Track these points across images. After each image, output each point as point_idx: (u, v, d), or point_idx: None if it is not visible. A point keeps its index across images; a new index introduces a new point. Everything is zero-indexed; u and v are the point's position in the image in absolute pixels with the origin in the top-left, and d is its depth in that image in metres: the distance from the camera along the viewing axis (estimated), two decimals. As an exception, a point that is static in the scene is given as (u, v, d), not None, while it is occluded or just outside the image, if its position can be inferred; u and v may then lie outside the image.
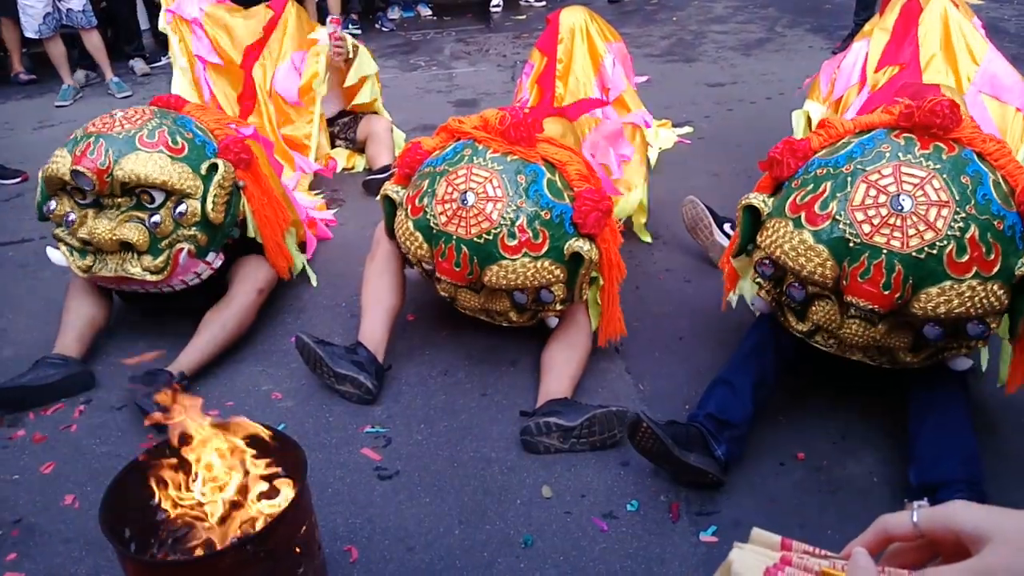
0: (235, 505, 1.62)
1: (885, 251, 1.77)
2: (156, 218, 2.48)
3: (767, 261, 2.00)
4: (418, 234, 2.32)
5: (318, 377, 2.44)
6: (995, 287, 1.79)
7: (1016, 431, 2.20)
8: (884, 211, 1.79)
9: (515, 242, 2.21)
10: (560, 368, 2.37)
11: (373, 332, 2.48)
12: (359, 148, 4.25)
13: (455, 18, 7.94)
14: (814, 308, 1.97)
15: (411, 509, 2.04)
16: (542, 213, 2.23)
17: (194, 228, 2.53)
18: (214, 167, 2.56)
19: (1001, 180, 1.86)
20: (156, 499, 1.61)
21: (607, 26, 3.67)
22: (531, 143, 2.32)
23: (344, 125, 4.26)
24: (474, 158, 2.30)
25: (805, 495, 2.03)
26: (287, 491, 1.61)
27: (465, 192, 2.23)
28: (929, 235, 1.76)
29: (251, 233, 2.75)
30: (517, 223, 2.21)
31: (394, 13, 7.89)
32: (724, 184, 3.68)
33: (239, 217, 2.69)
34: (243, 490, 1.63)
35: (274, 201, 2.81)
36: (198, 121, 2.68)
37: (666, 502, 2.02)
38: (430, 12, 8.05)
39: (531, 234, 2.21)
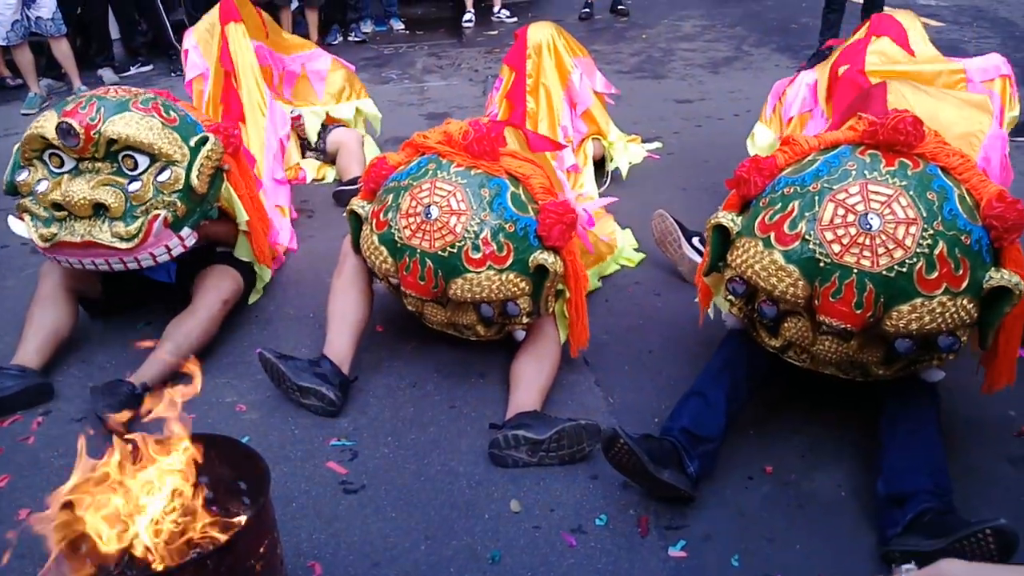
0: (194, 520, 1.58)
1: (856, 270, 1.78)
2: (136, 185, 2.42)
3: (738, 279, 2.00)
4: (383, 248, 2.31)
5: (283, 391, 2.41)
6: (964, 301, 1.81)
7: (983, 447, 2.22)
8: (853, 230, 1.80)
9: (479, 255, 2.20)
10: (529, 381, 2.36)
11: (338, 346, 2.46)
12: (329, 160, 4.22)
13: (427, 32, 7.95)
14: (786, 325, 1.98)
15: (377, 524, 2.01)
16: (506, 226, 2.23)
17: (174, 195, 2.46)
18: (204, 140, 2.53)
19: (966, 194, 1.89)
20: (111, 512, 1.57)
21: (574, 41, 3.71)
22: (495, 157, 2.33)
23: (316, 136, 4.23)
24: (438, 172, 2.30)
25: (773, 509, 2.04)
26: (248, 504, 1.57)
27: (429, 206, 2.23)
28: (898, 253, 1.77)
29: (238, 218, 2.74)
30: (481, 236, 2.20)
31: (367, 26, 7.88)
32: (692, 199, 3.70)
33: (219, 199, 2.66)
34: (201, 504, 1.59)
35: (255, 194, 2.79)
36: (189, 111, 2.66)
37: (635, 516, 2.01)
38: (402, 26, 8.05)
39: (495, 247, 2.21)
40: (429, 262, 2.22)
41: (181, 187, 2.46)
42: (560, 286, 2.39)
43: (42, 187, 2.45)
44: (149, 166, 2.44)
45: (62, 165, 2.46)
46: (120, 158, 2.43)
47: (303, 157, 4.20)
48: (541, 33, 3.53)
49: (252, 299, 2.99)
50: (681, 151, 4.42)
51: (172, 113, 2.53)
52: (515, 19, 7.99)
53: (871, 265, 1.78)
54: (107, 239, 2.41)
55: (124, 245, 2.42)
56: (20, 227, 2.54)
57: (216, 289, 2.70)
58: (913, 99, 2.36)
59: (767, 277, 1.89)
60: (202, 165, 2.49)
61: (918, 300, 1.79)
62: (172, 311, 2.65)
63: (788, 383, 2.35)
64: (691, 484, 2.00)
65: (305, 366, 2.39)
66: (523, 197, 2.30)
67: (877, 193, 1.83)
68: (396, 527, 2.00)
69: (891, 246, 1.77)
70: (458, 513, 2.04)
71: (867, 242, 1.78)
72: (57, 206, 2.42)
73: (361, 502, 2.08)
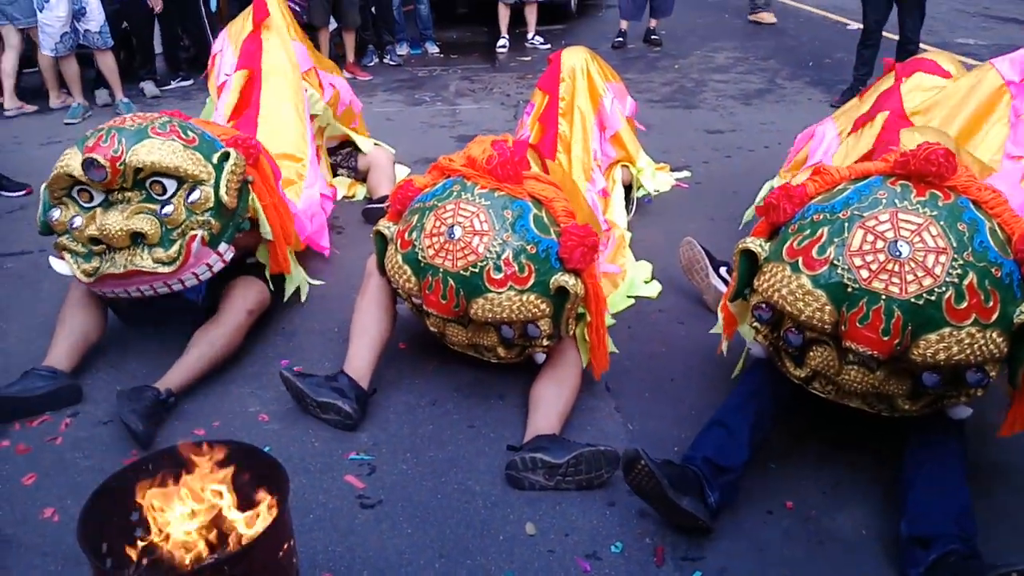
0: (213, 525, 1.60)
1: (884, 297, 1.78)
2: (168, 208, 2.46)
3: (764, 305, 2.00)
4: (406, 267, 2.34)
5: (303, 408, 2.45)
6: (994, 335, 1.79)
7: (1010, 491, 2.18)
8: (882, 256, 1.80)
9: (501, 275, 2.22)
10: (549, 404, 2.36)
11: (357, 361, 2.48)
12: (360, 177, 4.28)
13: (462, 56, 8.05)
14: (812, 354, 1.97)
15: (392, 539, 2.02)
16: (528, 247, 2.25)
17: (207, 214, 2.50)
18: (226, 155, 2.57)
19: (997, 228, 1.88)
20: (136, 516, 1.60)
21: (607, 66, 3.74)
22: (518, 180, 2.36)
23: (346, 155, 4.29)
24: (462, 193, 2.34)
25: (792, 545, 2.01)
26: (267, 512, 1.59)
27: (452, 226, 2.26)
28: (927, 281, 1.77)
29: (263, 230, 2.78)
30: (503, 256, 2.23)
31: (402, 49, 8.00)
32: (720, 228, 3.70)
33: (248, 211, 2.70)
34: (223, 511, 1.61)
35: (279, 202, 2.84)
36: (205, 128, 2.71)
37: (651, 545, 2.00)
38: (437, 50, 8.17)
39: (517, 268, 2.23)
40: (451, 281, 2.24)
41: (212, 205, 2.50)
42: (581, 309, 2.40)
43: (77, 223, 2.48)
44: (178, 189, 2.48)
45: (92, 199, 2.49)
46: (148, 185, 2.47)
47: (334, 175, 4.26)
48: (576, 57, 3.57)
49: (289, 292, 3.05)
50: (710, 181, 4.43)
51: (190, 133, 2.56)
52: (548, 45, 8.07)
53: (899, 292, 1.77)
54: (149, 265, 2.45)
55: (166, 269, 2.46)
56: (62, 266, 2.58)
57: (242, 299, 2.74)
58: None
59: (794, 301, 1.89)
60: (228, 180, 2.53)
61: (946, 330, 1.77)
62: (202, 320, 2.69)
63: (812, 416, 2.33)
64: (710, 514, 1.99)
65: (322, 382, 2.42)
66: (545, 220, 2.32)
67: (907, 221, 1.83)
68: (411, 543, 2.01)
69: (920, 274, 1.77)
70: (473, 533, 2.04)
71: (896, 268, 1.78)
72: (95, 240, 2.46)
73: (377, 517, 2.09)
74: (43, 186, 2.56)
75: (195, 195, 2.48)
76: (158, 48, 7.00)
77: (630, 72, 6.92)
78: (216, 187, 2.51)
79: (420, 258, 2.30)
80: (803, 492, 2.18)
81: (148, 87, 6.53)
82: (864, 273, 1.80)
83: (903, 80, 2.91)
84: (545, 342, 2.35)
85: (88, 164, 2.40)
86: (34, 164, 4.75)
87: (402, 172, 4.31)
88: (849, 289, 1.82)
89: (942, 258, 1.78)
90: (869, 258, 1.81)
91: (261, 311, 2.83)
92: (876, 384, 1.90)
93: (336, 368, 2.52)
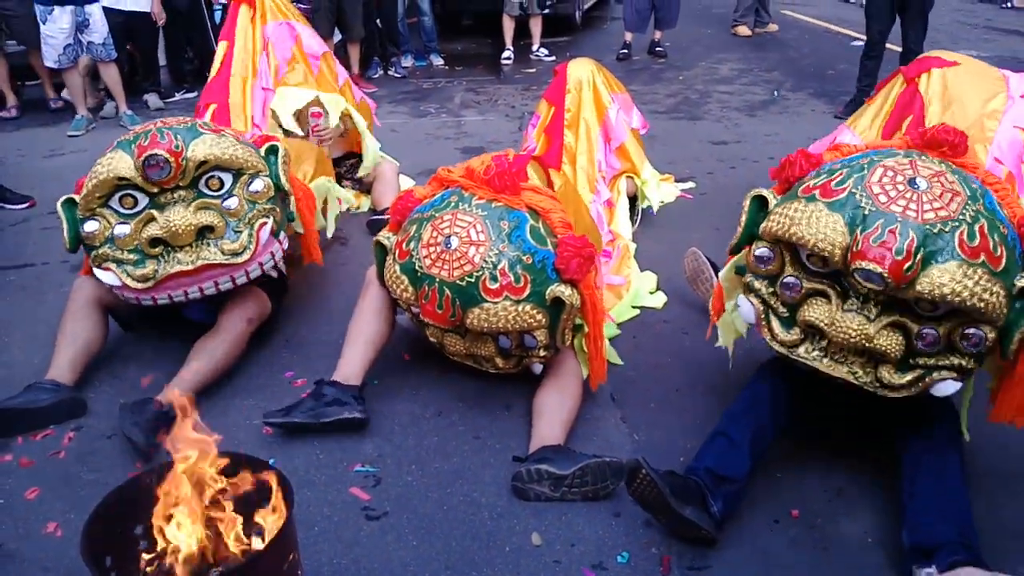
0: (218, 537, 1.59)
1: (900, 219, 1.80)
2: (231, 201, 2.47)
3: (766, 248, 2.01)
4: (404, 277, 2.34)
5: (312, 430, 2.41)
6: (998, 288, 1.80)
7: (1011, 498, 2.17)
8: (901, 187, 1.85)
9: (496, 285, 2.23)
10: (552, 413, 2.36)
11: (347, 368, 2.48)
12: (365, 189, 4.29)
13: (466, 68, 8.08)
14: (806, 307, 1.96)
15: (398, 551, 2.01)
16: (524, 258, 2.25)
17: (269, 202, 2.54)
18: (274, 148, 2.60)
19: (999, 205, 1.94)
20: (139, 529, 1.59)
21: (613, 78, 3.75)
22: (515, 191, 2.36)
23: (351, 166, 4.30)
24: (460, 204, 2.35)
25: (798, 553, 2.00)
26: (271, 525, 1.58)
27: (449, 236, 2.27)
28: (943, 213, 1.81)
29: (296, 226, 2.83)
30: (499, 267, 2.23)
31: (407, 61, 8.03)
32: (725, 239, 3.62)
33: (294, 210, 2.75)
34: (227, 523, 1.60)
35: (306, 194, 2.90)
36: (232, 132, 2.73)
37: (657, 555, 1.99)
38: (442, 62, 8.20)
39: (512, 278, 2.23)
40: (447, 291, 2.25)
41: (273, 194, 2.55)
42: (579, 320, 2.40)
43: (122, 230, 2.44)
44: (234, 182, 2.50)
45: (135, 205, 2.46)
46: (205, 181, 2.48)
47: (340, 186, 4.26)
48: (582, 69, 3.58)
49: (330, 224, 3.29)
50: (715, 192, 4.43)
51: (230, 132, 2.62)
52: (553, 57, 8.10)
53: (916, 217, 1.80)
54: (221, 258, 2.45)
55: (240, 259, 2.48)
56: (108, 277, 2.50)
57: (240, 309, 2.73)
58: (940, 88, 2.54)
59: (808, 225, 1.88)
60: (284, 170, 2.58)
61: (955, 263, 1.78)
62: (204, 328, 2.69)
63: (815, 426, 2.33)
64: (713, 524, 1.98)
65: (312, 404, 2.40)
66: (542, 231, 2.32)
67: (926, 167, 1.90)
68: (417, 555, 1.99)
69: (937, 205, 1.81)
70: (479, 544, 2.03)
71: (913, 197, 1.83)
72: (155, 242, 2.42)
73: (383, 529, 2.08)
74: (60, 202, 2.53)
75: (256, 185, 2.51)
76: (161, 60, 7.04)
77: (635, 84, 6.94)
78: (274, 176, 2.55)
79: (417, 268, 2.31)
80: (808, 500, 2.17)
81: (152, 99, 6.57)
82: (882, 198, 1.84)
83: (917, 81, 2.89)
84: (542, 353, 2.35)
85: (150, 160, 2.37)
86: (37, 176, 4.78)
87: (407, 184, 4.32)
88: (866, 212, 1.84)
89: (957, 199, 1.83)
90: (888, 187, 1.85)
91: (261, 320, 2.82)
92: (870, 337, 1.86)
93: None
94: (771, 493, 2.18)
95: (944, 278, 1.77)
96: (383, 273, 2.51)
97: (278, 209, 2.57)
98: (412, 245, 2.34)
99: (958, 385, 1.96)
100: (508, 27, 8.08)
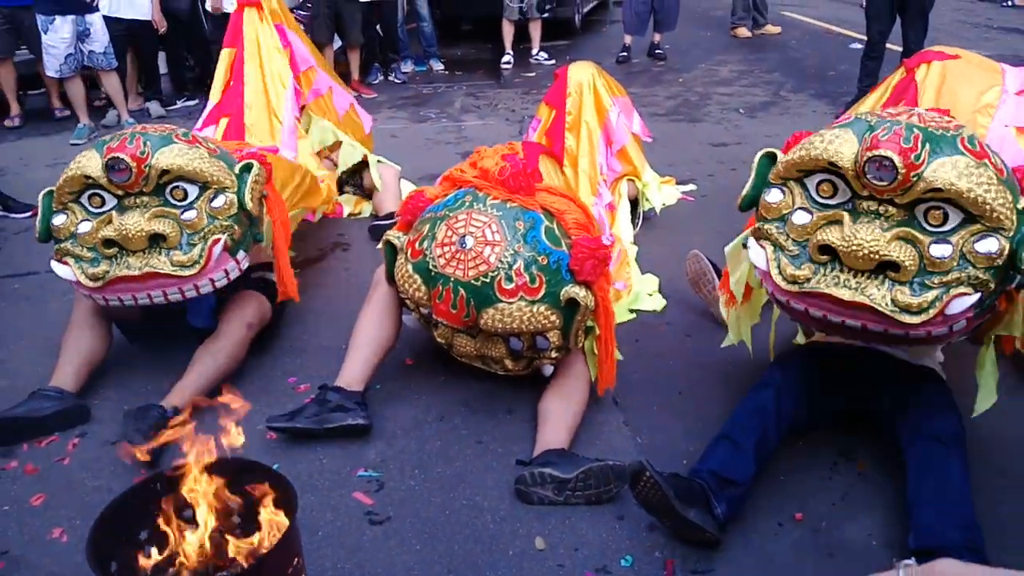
0: (222, 542, 1.60)
1: (905, 122, 1.88)
2: (190, 213, 2.44)
3: (775, 190, 2.06)
4: (417, 277, 2.34)
5: (316, 436, 2.41)
6: (1005, 191, 1.83)
7: (1017, 498, 2.17)
8: (902, 112, 1.96)
9: (512, 286, 2.22)
10: (557, 418, 2.36)
11: (350, 370, 2.48)
12: (366, 195, 4.29)
13: (466, 73, 8.10)
14: (819, 232, 1.96)
15: (401, 556, 2.01)
16: (539, 259, 2.25)
17: (230, 219, 2.49)
18: (248, 166, 2.57)
19: None
20: (145, 534, 1.60)
21: (614, 81, 3.75)
22: (530, 192, 2.36)
23: (351, 171, 4.30)
24: (474, 204, 2.34)
25: (802, 557, 2.00)
26: (275, 529, 1.58)
27: (464, 235, 2.26)
28: (944, 125, 1.91)
29: (265, 243, 2.75)
30: (514, 267, 2.23)
31: (407, 66, 8.04)
32: (726, 241, 3.66)
33: (262, 224, 2.69)
34: (230, 528, 1.61)
35: (285, 220, 2.83)
36: (219, 145, 2.71)
37: (661, 558, 1.99)
38: (442, 67, 8.22)
39: (528, 278, 2.23)
40: (462, 291, 2.24)
41: (235, 211, 2.50)
42: (590, 322, 2.40)
43: (84, 228, 2.45)
44: (199, 195, 2.47)
45: (103, 204, 2.47)
46: (169, 190, 2.45)
47: (340, 192, 4.27)
48: (582, 72, 3.58)
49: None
50: (716, 194, 4.43)
51: (211, 144, 2.58)
52: (553, 61, 8.11)
53: (918, 122, 1.89)
54: (168, 268, 2.41)
55: (187, 272, 2.42)
56: (64, 271, 2.51)
57: (239, 313, 2.74)
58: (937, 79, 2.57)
59: (820, 143, 1.95)
60: (252, 190, 2.53)
61: (962, 158, 1.82)
62: (207, 335, 2.69)
63: (819, 430, 2.34)
64: (717, 526, 1.98)
65: (316, 410, 2.40)
66: (557, 232, 2.32)
67: (919, 114, 2.00)
68: (420, 560, 2.00)
69: (937, 121, 1.91)
70: (482, 548, 2.03)
71: (915, 112, 1.96)
72: (109, 243, 2.41)
73: (386, 533, 2.08)
74: (42, 194, 2.54)
75: (219, 200, 2.47)
76: (162, 68, 7.06)
77: (634, 86, 6.94)
78: (240, 194, 2.51)
79: (431, 267, 2.30)
80: (812, 503, 2.17)
81: (153, 107, 6.59)
82: (888, 112, 1.97)
83: (915, 70, 2.90)
84: (553, 354, 2.35)
85: (113, 163, 2.38)
86: (40, 185, 4.64)
87: (408, 188, 4.32)
88: (872, 122, 1.92)
89: (954, 121, 1.99)
90: (891, 110, 2.00)
91: (261, 324, 2.82)
92: (883, 246, 1.85)
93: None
94: (775, 496, 2.18)
95: (951, 170, 1.81)
96: (392, 273, 2.51)
97: (237, 227, 2.51)
98: (426, 244, 2.34)
99: (975, 298, 1.87)
100: (508, 31, 8.09)
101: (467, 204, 2.35)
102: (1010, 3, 12.25)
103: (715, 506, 2.00)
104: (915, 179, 1.83)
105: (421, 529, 2.09)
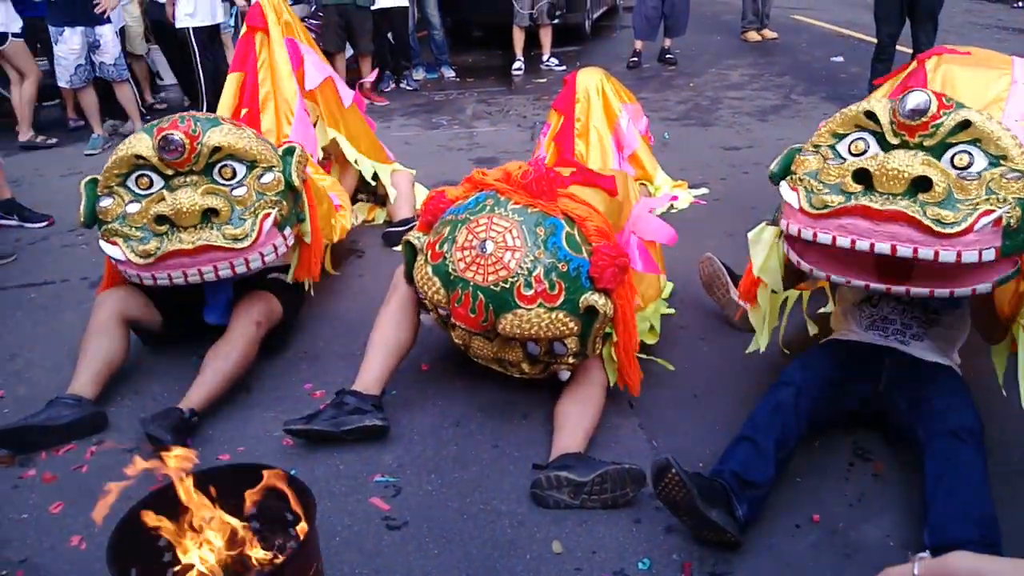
0: (242, 549, 1.60)
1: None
2: (240, 190, 2.53)
3: (808, 152, 2.17)
4: (436, 279, 2.34)
5: (333, 440, 2.42)
6: (1017, 139, 1.95)
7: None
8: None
9: (531, 292, 2.22)
10: (574, 423, 2.36)
11: (368, 373, 2.49)
12: (380, 202, 4.31)
13: (477, 80, 8.12)
14: (858, 159, 2.03)
15: (419, 560, 2.02)
16: (559, 265, 2.25)
17: (278, 195, 2.58)
18: (291, 149, 2.67)
19: None
20: (165, 541, 1.60)
21: (622, 87, 3.76)
22: (552, 197, 2.35)
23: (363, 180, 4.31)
24: (495, 208, 2.33)
25: (820, 558, 1.99)
26: (295, 535, 1.59)
27: (484, 240, 2.26)
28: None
29: (303, 230, 2.85)
30: (534, 273, 2.22)
31: (418, 74, 8.08)
32: (739, 244, 3.64)
33: (303, 205, 2.78)
34: (251, 534, 1.62)
35: (315, 207, 2.92)
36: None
37: (679, 561, 1.99)
38: (453, 74, 8.24)
39: (547, 285, 2.23)
40: (481, 295, 2.24)
41: (282, 188, 2.59)
42: (608, 329, 2.40)
43: (133, 208, 2.51)
44: (247, 174, 2.56)
45: (151, 186, 2.54)
46: (218, 169, 2.54)
47: (354, 201, 4.28)
48: (591, 78, 3.59)
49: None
50: (728, 197, 4.42)
51: (253, 131, 2.69)
52: (564, 67, 8.12)
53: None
54: (222, 241, 2.47)
55: (240, 245, 2.49)
56: (113, 250, 2.54)
57: (247, 311, 2.75)
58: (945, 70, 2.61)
59: (857, 105, 2.09)
60: (297, 169, 2.64)
61: (981, 113, 1.96)
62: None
63: (836, 428, 2.33)
64: (738, 527, 1.97)
65: (333, 413, 2.41)
66: (578, 238, 2.31)
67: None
68: (438, 564, 2.00)
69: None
70: (500, 552, 2.03)
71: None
72: (161, 219, 2.47)
73: (404, 538, 2.09)
74: (83, 181, 2.60)
75: (267, 178, 2.57)
76: (170, 79, 7.13)
77: (645, 91, 6.95)
78: (286, 173, 2.61)
79: (450, 271, 2.30)
80: (829, 505, 2.16)
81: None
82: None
83: (926, 61, 2.89)
84: (571, 360, 2.35)
85: (166, 141, 2.45)
86: (55, 196, 4.83)
87: (422, 193, 4.33)
88: (902, 94, 2.03)
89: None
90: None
91: (270, 323, 2.83)
92: (915, 167, 1.91)
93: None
94: (791, 498, 2.17)
95: (976, 114, 1.96)
96: (411, 273, 2.51)
97: (286, 203, 2.61)
98: (446, 247, 2.34)
99: (1005, 209, 1.88)
100: (518, 38, 8.11)
101: (488, 208, 2.35)
102: (1020, 4, 12.18)
103: (736, 507, 1.99)
104: (945, 116, 1.94)
105: (438, 534, 2.10)
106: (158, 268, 2.51)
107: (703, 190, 4.50)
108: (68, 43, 5.63)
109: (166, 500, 1.64)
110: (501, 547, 2.05)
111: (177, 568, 1.61)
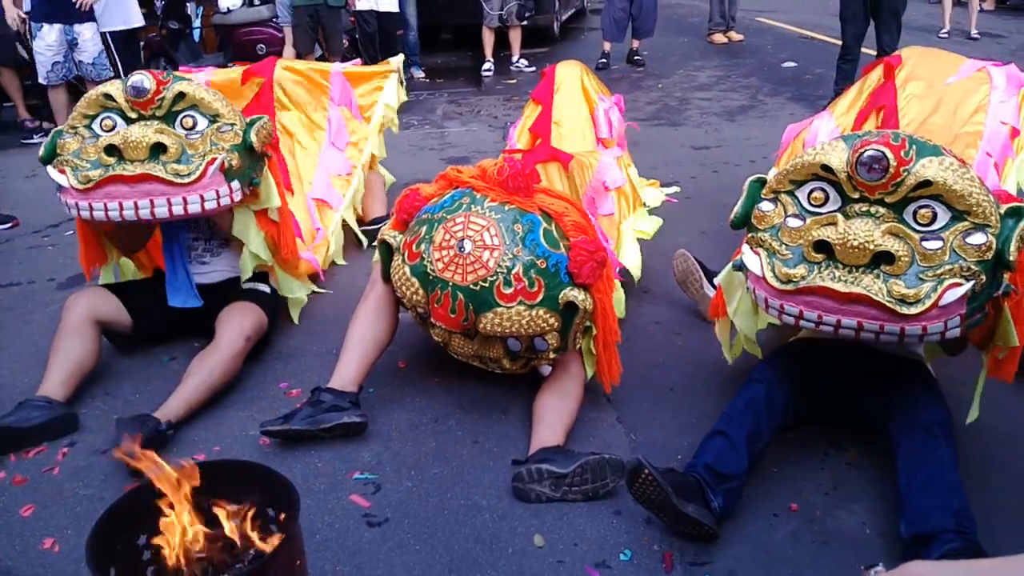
0: (224, 546, 1.59)
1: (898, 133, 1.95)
2: (195, 136, 2.56)
3: (767, 202, 2.08)
4: (414, 280, 2.33)
5: (312, 437, 2.40)
6: (987, 191, 1.88)
7: (1008, 483, 2.21)
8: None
9: (511, 290, 2.22)
10: (553, 417, 2.36)
11: (345, 371, 2.47)
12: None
13: (447, 80, 8.12)
14: (815, 231, 1.96)
15: (400, 557, 2.01)
16: (538, 262, 2.25)
17: (233, 148, 2.59)
18: (258, 117, 2.70)
19: None
20: (144, 539, 1.58)
21: (599, 82, 3.78)
22: (529, 193, 2.35)
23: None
24: (472, 206, 2.32)
25: (798, 546, 2.02)
26: (278, 531, 1.58)
27: (462, 240, 2.25)
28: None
29: (270, 202, 2.83)
30: (513, 271, 2.22)
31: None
32: (711, 241, 3.73)
33: (260, 173, 2.77)
34: (232, 530, 1.60)
35: (283, 192, 2.92)
36: None
37: (659, 551, 2.00)
38: (423, 74, 8.23)
39: (527, 282, 2.23)
40: (461, 295, 2.24)
41: (239, 143, 2.60)
42: (588, 323, 2.40)
43: (90, 143, 2.53)
44: (207, 127, 2.59)
45: (113, 127, 2.56)
46: (181, 118, 2.57)
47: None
48: (569, 70, 3.62)
49: (296, 315, 3.17)
50: (699, 195, 4.47)
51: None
52: (533, 68, 8.15)
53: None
54: (163, 172, 2.48)
55: (181, 180, 2.49)
56: (60, 177, 2.55)
57: (239, 325, 2.71)
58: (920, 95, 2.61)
59: (813, 154, 1.99)
60: (259, 131, 2.64)
61: (946, 159, 1.88)
62: (197, 345, 2.67)
63: (809, 422, 2.36)
64: (715, 520, 1.99)
65: (310, 411, 2.38)
66: (555, 234, 2.31)
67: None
68: (420, 560, 1.99)
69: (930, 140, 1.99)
70: (482, 547, 2.03)
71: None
72: (110, 150, 2.49)
73: (384, 535, 2.08)
74: (54, 130, 2.62)
75: (226, 130, 2.59)
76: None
77: (615, 92, 6.96)
78: (246, 132, 2.62)
79: (429, 271, 2.29)
80: (806, 494, 2.19)
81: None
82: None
83: (896, 72, 2.95)
84: (551, 355, 2.35)
85: (135, 80, 2.52)
86: (19, 197, 4.75)
87: (394, 193, 4.31)
88: (860, 134, 1.99)
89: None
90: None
91: (259, 337, 2.81)
92: (877, 238, 1.87)
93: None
94: (769, 488, 2.20)
95: (938, 165, 1.87)
96: (388, 272, 2.50)
97: (237, 156, 2.59)
98: (423, 247, 2.32)
99: (969, 286, 1.86)
100: (488, 39, 8.12)
101: (465, 206, 2.33)
102: (979, 7, 12.41)
103: (712, 500, 2.01)
104: (905, 173, 1.86)
105: (420, 530, 2.09)
106: (95, 196, 2.50)
107: (674, 188, 4.53)
108: (44, 39, 5.56)
109: (145, 500, 1.61)
110: (483, 542, 2.05)
111: (156, 566, 1.58)
